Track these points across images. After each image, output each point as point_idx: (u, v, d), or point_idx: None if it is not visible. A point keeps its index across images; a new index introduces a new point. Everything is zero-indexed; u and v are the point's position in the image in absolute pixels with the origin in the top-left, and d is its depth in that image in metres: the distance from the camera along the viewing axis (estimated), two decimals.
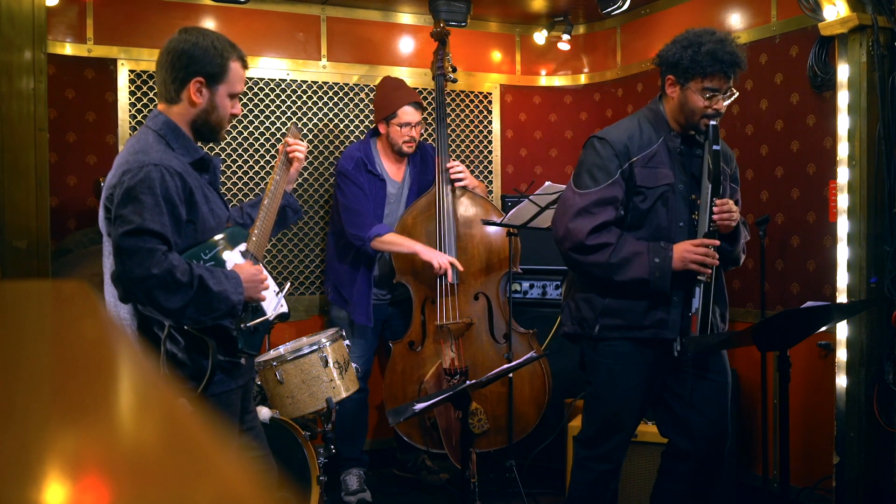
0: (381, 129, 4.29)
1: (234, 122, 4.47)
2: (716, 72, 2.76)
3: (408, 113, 4.22)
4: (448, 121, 4.99)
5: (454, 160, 4.34)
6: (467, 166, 4.58)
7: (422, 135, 4.38)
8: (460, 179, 4.26)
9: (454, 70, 4.44)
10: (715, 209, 2.79)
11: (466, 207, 4.29)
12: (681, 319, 2.84)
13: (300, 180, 4.66)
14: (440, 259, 4.07)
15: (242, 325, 2.39)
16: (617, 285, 2.81)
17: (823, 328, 3.32)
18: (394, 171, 4.35)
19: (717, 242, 2.80)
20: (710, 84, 2.78)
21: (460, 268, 4.12)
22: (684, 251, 2.76)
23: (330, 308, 4.46)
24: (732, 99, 2.85)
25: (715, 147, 2.78)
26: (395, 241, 4.12)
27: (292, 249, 4.71)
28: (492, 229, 4.24)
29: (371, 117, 4.85)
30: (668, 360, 2.90)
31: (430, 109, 5.01)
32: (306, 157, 2.78)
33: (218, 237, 2.41)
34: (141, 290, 2.22)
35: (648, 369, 2.89)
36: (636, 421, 3.01)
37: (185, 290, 2.21)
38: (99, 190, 3.93)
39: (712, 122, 2.80)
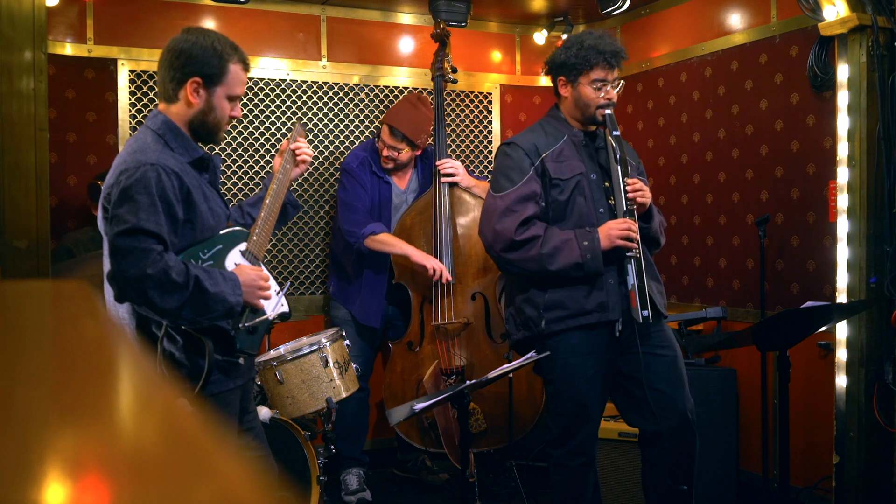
0: None
1: (233, 123, 4.47)
2: (599, 62, 2.96)
3: (384, 132, 4.22)
4: (448, 121, 4.99)
5: (449, 158, 4.31)
6: (467, 166, 4.55)
7: (411, 159, 4.30)
8: (451, 175, 4.23)
9: (454, 71, 4.44)
10: (627, 188, 2.92)
11: (463, 207, 4.29)
12: (620, 299, 2.93)
13: (300, 180, 4.66)
14: (433, 263, 4.07)
15: (241, 325, 2.38)
16: (553, 276, 2.90)
17: (823, 328, 3.32)
18: (398, 176, 4.35)
19: (635, 223, 2.92)
20: (597, 75, 2.97)
21: (449, 277, 4.11)
22: (608, 229, 2.90)
23: (330, 306, 4.46)
24: (620, 88, 3.03)
25: (615, 132, 2.95)
26: (388, 242, 4.11)
27: (292, 249, 4.71)
28: None
29: (371, 118, 4.86)
30: (616, 343, 2.96)
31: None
32: (312, 155, 2.76)
33: (217, 236, 2.41)
34: (135, 290, 2.21)
35: (602, 355, 2.96)
36: (600, 409, 3.05)
37: (181, 291, 2.20)
38: (93, 191, 3.94)
39: (607, 112, 2.98)
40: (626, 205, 2.91)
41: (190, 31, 2.42)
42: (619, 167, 2.92)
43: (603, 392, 3.01)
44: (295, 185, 4.62)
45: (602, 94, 2.98)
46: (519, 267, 2.96)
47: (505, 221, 2.93)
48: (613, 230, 2.88)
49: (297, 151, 2.64)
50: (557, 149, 3.01)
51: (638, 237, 2.89)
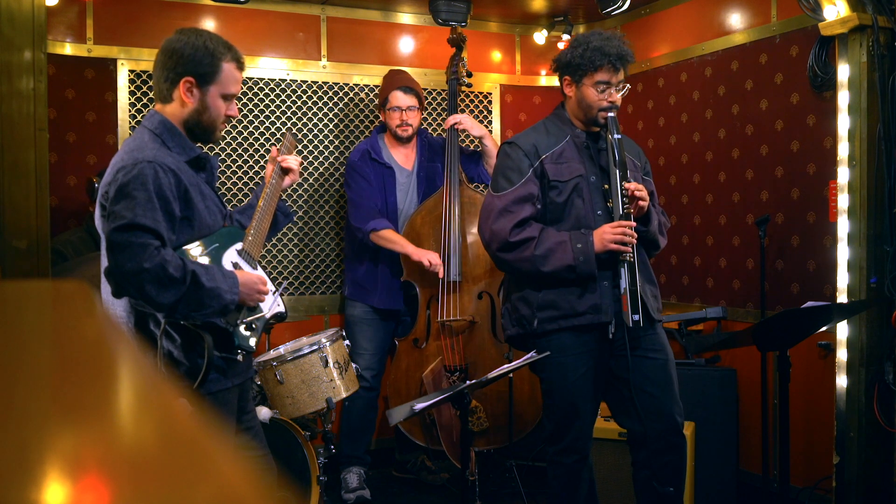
0: (382, 117, 4.42)
1: (233, 122, 4.47)
2: (604, 65, 2.94)
3: (396, 97, 4.32)
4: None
5: (455, 114, 4.42)
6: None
7: (422, 122, 4.44)
8: (463, 127, 4.35)
9: (469, 75, 4.50)
10: (625, 191, 2.92)
11: (473, 208, 4.31)
12: (613, 302, 2.94)
13: (300, 180, 4.66)
14: (429, 256, 4.12)
15: (238, 322, 2.38)
16: (546, 277, 2.92)
17: (823, 328, 3.32)
18: (402, 160, 4.43)
19: (633, 224, 2.91)
20: (601, 77, 2.96)
21: (441, 273, 4.15)
22: (603, 233, 2.90)
23: (346, 305, 4.48)
24: (625, 92, 3.01)
25: (616, 136, 2.93)
26: (389, 239, 4.19)
27: (292, 250, 4.72)
28: None
29: (371, 117, 4.87)
30: (609, 345, 2.98)
31: (439, 110, 5.02)
32: (301, 164, 2.77)
33: (214, 234, 2.41)
34: (133, 285, 2.21)
35: (593, 355, 2.98)
36: (592, 407, 3.06)
37: (178, 286, 2.21)
38: (91, 189, 3.94)
39: (610, 114, 2.96)
40: (623, 208, 2.91)
41: (183, 32, 2.43)
42: (617, 170, 2.92)
43: (595, 392, 3.03)
44: (296, 185, 4.63)
45: (605, 97, 2.97)
46: (513, 266, 3.00)
47: (501, 221, 2.95)
48: (608, 234, 2.89)
49: (282, 163, 2.65)
50: (558, 150, 3.01)
51: (634, 241, 2.89)
